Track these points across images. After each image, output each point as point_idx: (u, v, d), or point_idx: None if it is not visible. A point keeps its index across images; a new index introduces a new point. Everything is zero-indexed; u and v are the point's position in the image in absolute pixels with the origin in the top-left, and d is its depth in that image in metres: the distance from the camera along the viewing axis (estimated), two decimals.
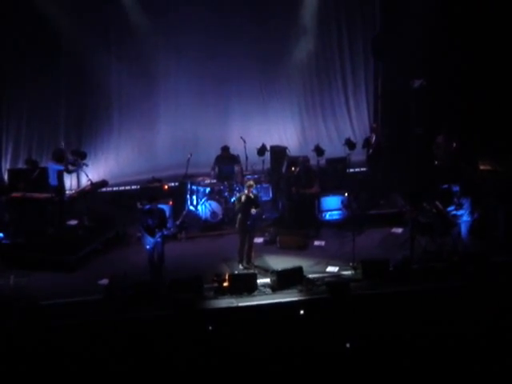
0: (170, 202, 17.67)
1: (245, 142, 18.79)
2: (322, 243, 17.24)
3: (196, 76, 20.38)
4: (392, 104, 20.97)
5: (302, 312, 14.06)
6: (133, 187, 20.00)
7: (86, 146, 19.83)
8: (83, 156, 18.58)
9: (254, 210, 15.66)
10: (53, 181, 17.02)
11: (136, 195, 18.59)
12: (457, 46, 19.36)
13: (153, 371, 12.36)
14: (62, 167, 17.05)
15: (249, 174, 18.69)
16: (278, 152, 19.68)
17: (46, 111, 19.75)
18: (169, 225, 15.71)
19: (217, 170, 18.76)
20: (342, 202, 17.89)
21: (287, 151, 19.48)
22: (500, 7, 18.94)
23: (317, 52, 21.23)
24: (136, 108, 20.52)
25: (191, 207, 18.40)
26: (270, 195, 19.00)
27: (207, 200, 18.07)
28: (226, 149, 18.81)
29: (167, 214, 16.04)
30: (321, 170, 19.18)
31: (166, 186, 18.63)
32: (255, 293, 14.83)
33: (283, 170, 18.93)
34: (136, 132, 20.61)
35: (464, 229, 15.80)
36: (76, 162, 17.42)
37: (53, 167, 17.05)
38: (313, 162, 18.87)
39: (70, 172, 17.65)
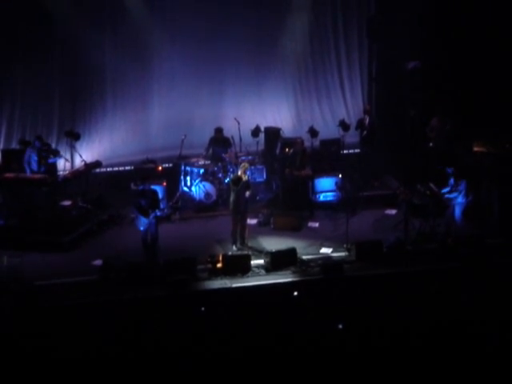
0: (164, 183, 17.68)
1: (239, 123, 18.69)
2: (316, 224, 17.26)
3: (190, 57, 20.27)
4: (386, 86, 20.92)
5: (295, 293, 14.09)
6: (127, 168, 19.95)
7: (80, 126, 19.78)
8: (77, 137, 18.60)
9: (248, 193, 15.73)
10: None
11: (130, 176, 18.55)
12: (452, 28, 19.27)
13: (146, 352, 12.37)
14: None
15: (243, 156, 18.65)
16: (272, 133, 19.65)
17: (39, 92, 19.64)
18: (162, 206, 15.70)
19: (211, 151, 18.73)
20: (336, 184, 17.87)
21: (281, 132, 19.47)
22: None
23: (311, 34, 21.18)
24: (130, 89, 20.43)
25: (185, 188, 18.37)
26: (264, 176, 18.96)
27: (201, 181, 18.05)
28: (219, 130, 18.76)
29: (161, 195, 16.08)
30: (315, 152, 19.17)
31: (160, 167, 18.60)
32: (249, 274, 14.83)
33: (277, 151, 18.93)
34: (130, 113, 20.53)
35: (458, 211, 15.82)
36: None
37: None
38: (307, 143, 18.83)
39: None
